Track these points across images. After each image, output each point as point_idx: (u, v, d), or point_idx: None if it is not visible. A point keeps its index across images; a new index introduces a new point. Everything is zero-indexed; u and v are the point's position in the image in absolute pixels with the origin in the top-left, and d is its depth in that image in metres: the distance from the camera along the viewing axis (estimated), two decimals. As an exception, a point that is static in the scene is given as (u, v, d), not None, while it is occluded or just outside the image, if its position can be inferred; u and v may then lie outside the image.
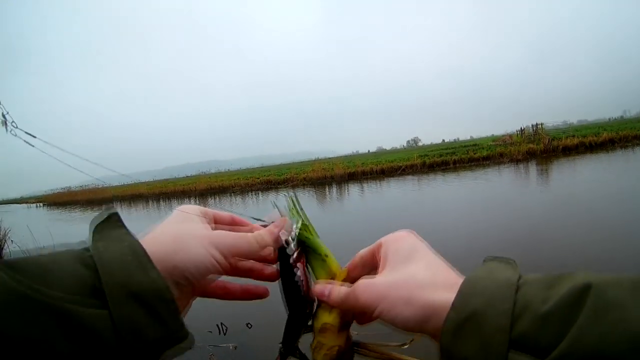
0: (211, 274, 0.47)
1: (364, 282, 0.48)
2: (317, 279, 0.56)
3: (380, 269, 0.49)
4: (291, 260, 0.53)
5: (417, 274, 0.45)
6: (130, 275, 0.37)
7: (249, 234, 0.51)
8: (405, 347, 0.53)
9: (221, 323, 3.96)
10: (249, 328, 3.90)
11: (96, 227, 0.43)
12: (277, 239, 0.53)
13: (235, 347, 3.62)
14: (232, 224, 0.57)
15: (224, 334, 3.74)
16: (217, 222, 0.55)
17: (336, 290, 0.51)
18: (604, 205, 7.95)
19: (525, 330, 0.34)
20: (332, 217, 10.52)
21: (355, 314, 0.53)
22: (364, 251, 0.55)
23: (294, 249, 0.54)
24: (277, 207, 0.58)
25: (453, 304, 0.38)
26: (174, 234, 0.46)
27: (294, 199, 0.59)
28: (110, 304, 0.35)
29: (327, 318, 0.53)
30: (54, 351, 0.32)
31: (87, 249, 0.40)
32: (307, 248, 0.57)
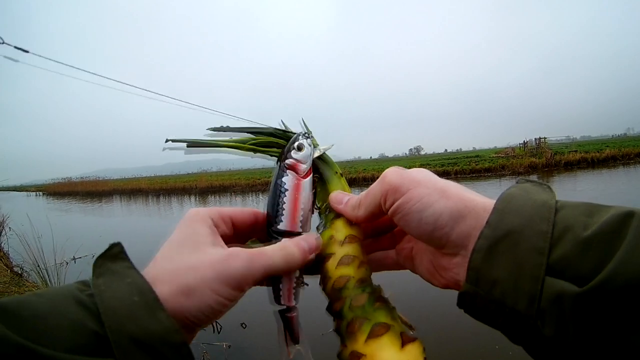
0: (222, 314, 0.40)
1: (394, 168, 0.45)
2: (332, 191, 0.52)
3: None
4: (285, 162, 0.50)
5: (448, 182, 0.42)
6: (137, 319, 0.33)
7: (272, 251, 0.43)
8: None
9: (215, 322, 3.95)
10: (244, 328, 3.90)
11: (97, 260, 0.37)
12: (306, 257, 0.45)
13: (229, 346, 3.62)
14: (256, 224, 0.50)
15: (218, 333, 3.74)
16: (237, 226, 0.48)
17: (355, 197, 0.49)
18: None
19: (564, 254, 0.31)
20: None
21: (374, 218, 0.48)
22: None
23: (303, 162, 0.50)
24: (303, 124, 0.55)
25: (488, 221, 0.36)
26: (175, 271, 0.38)
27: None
28: (116, 354, 0.31)
29: (351, 230, 0.48)
30: None
31: (85, 284, 0.35)
32: (322, 162, 0.55)
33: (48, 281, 5.05)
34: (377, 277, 0.50)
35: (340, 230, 0.48)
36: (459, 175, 22.90)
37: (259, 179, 30.35)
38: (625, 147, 25.67)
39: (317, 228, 0.52)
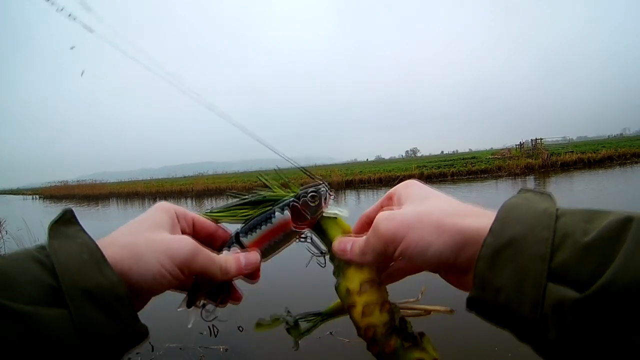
0: (164, 288, 0.44)
1: (384, 214, 0.44)
2: (333, 238, 0.52)
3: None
4: (292, 202, 0.50)
5: (442, 204, 0.43)
6: (86, 274, 0.37)
7: (218, 257, 0.48)
8: (420, 300, 0.51)
9: (212, 325, 3.94)
10: (240, 331, 3.88)
11: (51, 225, 0.41)
12: (241, 272, 0.50)
13: (226, 350, 3.61)
14: (215, 235, 0.54)
15: (215, 336, 3.73)
16: (197, 231, 0.52)
17: (358, 241, 0.48)
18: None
19: (565, 260, 0.32)
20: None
21: (381, 261, 0.48)
22: (369, 210, 0.52)
23: (308, 213, 0.50)
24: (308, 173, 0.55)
25: (491, 229, 0.36)
26: (131, 240, 0.43)
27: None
28: (69, 304, 0.35)
29: (363, 275, 0.48)
30: (16, 355, 0.32)
31: (42, 247, 0.39)
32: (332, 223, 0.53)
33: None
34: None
35: (353, 280, 0.49)
36: (455, 177, 22.93)
37: (255, 182, 30.29)
38: (622, 148, 25.88)
39: (333, 273, 0.52)
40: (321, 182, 0.53)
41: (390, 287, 0.52)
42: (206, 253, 0.46)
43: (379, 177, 24.57)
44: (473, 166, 24.48)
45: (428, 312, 0.50)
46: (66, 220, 0.42)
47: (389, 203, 0.50)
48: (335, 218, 0.52)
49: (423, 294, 0.51)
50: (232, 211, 0.53)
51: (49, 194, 53.98)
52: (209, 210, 0.54)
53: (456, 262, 0.39)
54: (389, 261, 0.51)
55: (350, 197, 18.57)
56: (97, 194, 41.39)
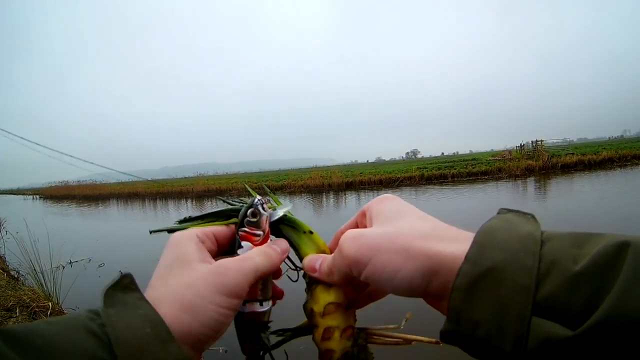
0: (226, 325, 0.41)
1: (350, 233, 0.41)
2: (304, 256, 0.50)
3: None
4: (239, 233, 0.48)
5: (414, 224, 0.39)
6: (149, 351, 0.33)
7: (255, 254, 0.45)
8: (402, 328, 0.47)
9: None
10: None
11: (107, 290, 0.37)
12: (282, 258, 0.48)
13: (226, 351, 3.60)
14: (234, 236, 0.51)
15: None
16: (220, 241, 0.49)
17: (327, 259, 0.46)
18: (599, 223, 7.96)
19: (553, 292, 0.28)
20: (326, 225, 10.58)
21: (352, 286, 0.47)
22: (344, 226, 0.50)
23: (261, 225, 0.48)
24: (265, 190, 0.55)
25: (467, 256, 0.32)
26: (172, 291, 0.39)
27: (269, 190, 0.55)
28: None
29: (329, 297, 0.46)
30: None
31: (96, 313, 0.35)
32: (287, 227, 0.52)
33: (44, 285, 5.02)
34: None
35: (318, 301, 0.47)
36: (455, 179, 22.91)
37: (255, 183, 30.31)
38: (622, 149, 25.92)
39: (305, 291, 0.51)
40: (252, 199, 0.52)
41: (373, 310, 0.51)
42: (244, 264, 0.43)
43: (379, 178, 24.57)
44: (473, 168, 24.50)
45: (409, 341, 0.46)
46: (124, 286, 0.37)
47: (362, 220, 0.47)
48: (311, 234, 0.51)
49: (407, 320, 0.47)
50: (207, 220, 0.52)
51: (49, 194, 54.03)
52: (183, 219, 0.53)
53: (428, 289, 0.36)
54: (364, 283, 0.47)
55: (351, 198, 18.60)
56: (97, 194, 41.45)
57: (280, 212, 0.51)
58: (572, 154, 25.58)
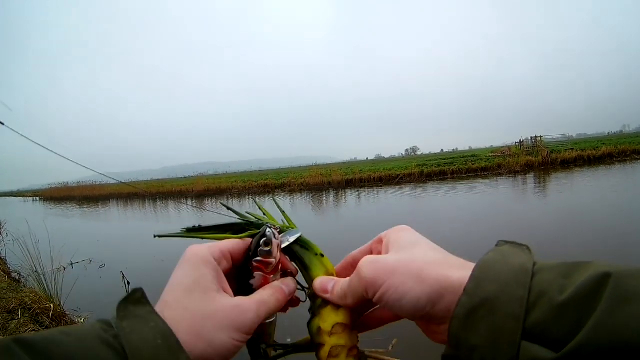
0: (237, 352, 0.44)
1: (369, 258, 0.45)
2: (315, 277, 0.52)
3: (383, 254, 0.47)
4: (252, 263, 0.49)
5: (427, 253, 0.43)
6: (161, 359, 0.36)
7: (267, 297, 0.47)
8: (391, 349, 0.51)
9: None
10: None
11: (120, 304, 0.39)
12: (288, 298, 0.50)
13: None
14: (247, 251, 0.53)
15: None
16: (235, 258, 0.50)
17: (340, 282, 0.49)
18: (599, 218, 7.98)
19: (540, 319, 0.32)
20: (326, 224, 10.59)
21: (363, 307, 0.50)
22: (356, 252, 0.53)
23: (273, 253, 0.49)
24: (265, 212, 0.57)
25: (465, 289, 0.36)
26: (192, 319, 0.41)
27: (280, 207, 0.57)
28: None
29: (337, 317, 0.49)
30: None
31: (107, 324, 0.37)
32: (300, 248, 0.54)
33: (46, 287, 5.02)
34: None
35: (327, 320, 0.49)
36: (455, 175, 22.98)
37: (255, 182, 30.34)
38: (622, 145, 25.94)
39: (309, 310, 0.52)
40: (264, 224, 0.53)
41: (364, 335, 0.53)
42: (261, 308, 0.46)
43: (379, 175, 24.67)
44: (473, 164, 24.55)
45: None
46: (136, 300, 0.40)
47: (378, 246, 0.50)
48: (322, 257, 0.53)
49: (394, 346, 0.51)
50: (215, 232, 0.54)
51: (49, 195, 54.06)
52: (192, 227, 0.54)
53: (432, 312, 0.39)
54: (367, 308, 0.51)
55: (351, 196, 18.64)
56: (97, 195, 41.46)
57: (291, 239, 0.53)
58: (572, 149, 25.61)
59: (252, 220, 0.56)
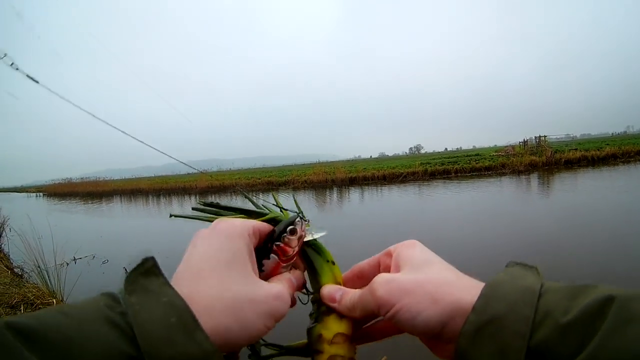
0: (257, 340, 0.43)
1: (384, 277, 0.44)
2: (323, 284, 0.51)
3: (393, 271, 0.46)
4: (274, 244, 0.48)
5: (441, 273, 0.43)
6: (175, 342, 0.31)
7: (287, 293, 0.45)
8: None
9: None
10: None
11: (129, 275, 0.35)
12: (296, 290, 0.50)
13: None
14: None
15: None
16: (261, 237, 0.49)
17: (349, 293, 0.48)
18: (602, 218, 7.95)
19: (544, 339, 0.32)
20: (330, 221, 10.53)
21: (366, 320, 0.49)
22: (364, 263, 0.52)
23: (294, 242, 0.49)
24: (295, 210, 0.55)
25: (474, 306, 0.37)
26: (231, 303, 0.38)
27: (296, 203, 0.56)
28: None
29: (340, 327, 0.48)
30: None
31: (114, 299, 0.33)
32: (312, 251, 0.53)
33: (48, 282, 5.04)
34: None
35: (329, 328, 0.48)
36: (459, 174, 22.94)
37: (259, 179, 30.37)
38: (625, 145, 25.84)
39: (310, 315, 0.52)
40: (294, 213, 0.53)
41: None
42: (287, 297, 0.44)
43: (382, 174, 24.66)
44: (477, 163, 24.50)
45: None
46: (147, 270, 0.36)
47: (386, 260, 0.50)
48: (334, 264, 0.53)
49: None
50: (233, 214, 0.53)
51: (52, 191, 54.28)
52: (209, 202, 0.53)
53: (442, 332, 0.39)
54: (369, 320, 0.50)
55: (354, 194, 18.63)
56: (100, 191, 41.58)
57: (316, 235, 0.53)
58: (576, 149, 25.57)
59: (267, 212, 0.55)
